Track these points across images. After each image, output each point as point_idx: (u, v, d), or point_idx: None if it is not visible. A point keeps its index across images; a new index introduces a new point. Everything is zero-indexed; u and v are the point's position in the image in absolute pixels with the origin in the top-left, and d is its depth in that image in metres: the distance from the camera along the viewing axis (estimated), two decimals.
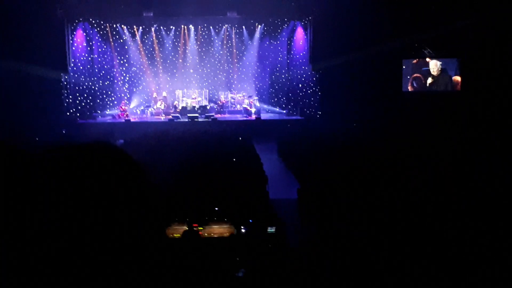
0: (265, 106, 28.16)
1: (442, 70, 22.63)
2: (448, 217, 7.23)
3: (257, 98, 27.69)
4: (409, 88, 23.07)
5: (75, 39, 24.95)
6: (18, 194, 1.13)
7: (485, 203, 7.74)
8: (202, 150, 13.91)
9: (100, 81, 27.05)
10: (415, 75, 22.89)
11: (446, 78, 22.61)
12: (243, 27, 28.12)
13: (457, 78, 22.36)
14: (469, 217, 7.13)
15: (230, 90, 28.61)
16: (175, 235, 7.23)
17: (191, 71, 28.55)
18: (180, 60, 28.54)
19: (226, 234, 7.34)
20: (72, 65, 24.43)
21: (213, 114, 25.52)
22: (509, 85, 19.26)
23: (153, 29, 27.80)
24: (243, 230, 7.37)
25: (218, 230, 7.48)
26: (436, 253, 5.99)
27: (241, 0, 23.50)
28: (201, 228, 7.37)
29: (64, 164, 1.16)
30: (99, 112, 26.58)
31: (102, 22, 26.78)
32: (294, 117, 25.82)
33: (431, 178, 9.74)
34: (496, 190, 8.51)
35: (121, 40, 27.66)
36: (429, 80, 22.76)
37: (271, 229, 7.24)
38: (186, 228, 7.16)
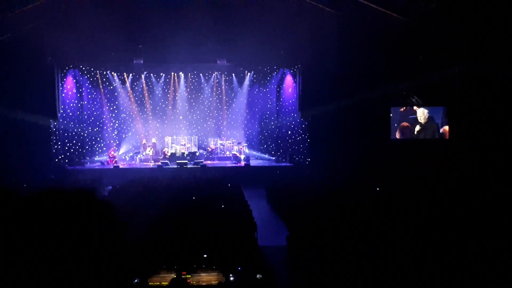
0: (254, 152, 28.22)
1: (430, 118, 22.81)
2: (437, 264, 7.20)
3: (246, 144, 27.76)
4: (397, 136, 23.19)
5: (65, 85, 25.03)
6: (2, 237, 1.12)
7: (477, 252, 7.73)
8: (191, 197, 13.85)
9: (90, 128, 27.06)
10: (402, 124, 23.05)
11: (433, 126, 22.76)
12: (233, 74, 28.45)
13: (445, 127, 22.54)
14: (461, 268, 7.11)
15: (220, 137, 28.69)
16: (162, 283, 7.14)
17: (181, 117, 28.69)
18: (170, 107, 28.68)
19: (215, 282, 7.26)
20: (62, 111, 24.42)
21: (202, 160, 25.49)
22: (496, 133, 19.43)
23: (143, 76, 28.02)
24: (232, 278, 7.29)
25: (207, 277, 7.40)
26: None
27: (231, 48, 23.77)
28: (190, 275, 7.28)
29: (48, 209, 1.16)
30: (88, 158, 26.50)
31: (92, 69, 26.99)
32: (283, 164, 25.84)
33: (419, 226, 9.73)
34: (486, 237, 8.51)
35: (111, 87, 27.83)
36: (417, 128, 22.92)
37: (259, 276, 7.16)
38: (174, 275, 7.07)
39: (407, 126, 22.98)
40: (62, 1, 20.97)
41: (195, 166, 24.35)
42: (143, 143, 27.28)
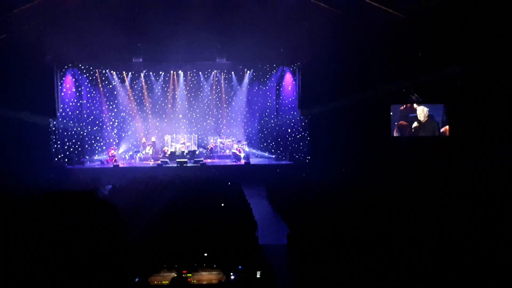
0: (254, 151, 28.19)
1: (430, 116, 22.79)
2: (437, 262, 7.18)
3: (246, 143, 27.76)
4: (396, 134, 23.16)
5: (64, 84, 24.99)
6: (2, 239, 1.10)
7: (474, 251, 7.72)
8: (191, 195, 13.82)
9: (89, 127, 27.04)
10: (401, 122, 23.02)
11: (433, 124, 22.74)
12: (232, 72, 28.41)
13: (446, 127, 22.49)
14: (458, 263, 7.09)
15: (219, 135, 28.67)
16: (163, 282, 7.13)
17: (180, 116, 28.66)
18: (169, 105, 28.66)
19: (216, 281, 7.24)
20: (61, 110, 24.39)
21: (202, 159, 25.46)
22: (497, 131, 19.40)
23: (142, 74, 28.00)
24: (232, 277, 7.27)
25: (208, 276, 7.38)
26: None
27: (230, 46, 23.72)
28: (190, 274, 7.26)
29: (50, 210, 1.14)
30: (88, 157, 26.48)
31: (91, 68, 26.97)
32: (283, 162, 25.81)
33: (420, 223, 9.71)
34: (485, 239, 8.49)
35: (110, 86, 27.81)
36: (415, 124, 22.88)
37: (260, 275, 7.15)
38: (174, 274, 7.05)
39: (406, 124, 22.97)
40: (61, 0, 20.90)
41: (195, 164, 24.34)
42: (142, 141, 27.27)
